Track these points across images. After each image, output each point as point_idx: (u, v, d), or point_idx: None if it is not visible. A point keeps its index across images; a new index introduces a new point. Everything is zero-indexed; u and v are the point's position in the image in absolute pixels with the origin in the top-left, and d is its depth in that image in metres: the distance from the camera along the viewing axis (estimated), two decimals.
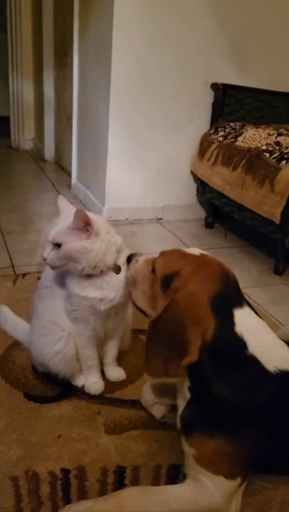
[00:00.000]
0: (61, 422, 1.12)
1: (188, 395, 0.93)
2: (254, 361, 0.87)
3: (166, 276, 0.92)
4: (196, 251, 0.97)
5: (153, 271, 0.98)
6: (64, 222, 1.06)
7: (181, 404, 0.96)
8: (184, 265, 0.91)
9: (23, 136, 4.35)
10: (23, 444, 1.05)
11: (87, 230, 1.05)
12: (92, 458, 1.03)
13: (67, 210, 1.11)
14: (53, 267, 1.09)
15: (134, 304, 1.06)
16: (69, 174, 3.29)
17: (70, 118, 3.14)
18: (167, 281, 0.91)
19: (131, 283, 1.06)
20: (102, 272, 1.10)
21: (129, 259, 1.10)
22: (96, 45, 2.53)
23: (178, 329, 0.86)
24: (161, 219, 2.72)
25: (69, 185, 3.21)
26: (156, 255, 1.02)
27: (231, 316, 0.88)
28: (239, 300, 0.91)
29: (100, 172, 2.62)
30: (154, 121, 2.53)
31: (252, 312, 0.93)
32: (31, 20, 3.99)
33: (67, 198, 3.33)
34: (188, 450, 0.91)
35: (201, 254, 0.96)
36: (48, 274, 1.17)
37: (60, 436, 1.08)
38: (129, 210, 2.63)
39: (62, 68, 3.41)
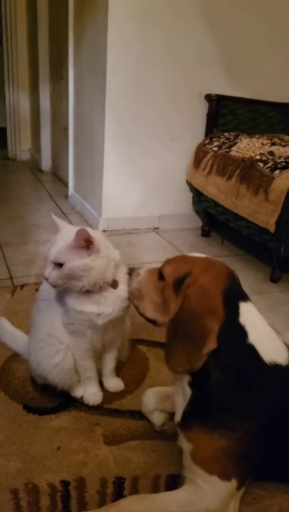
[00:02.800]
0: (60, 433, 1.13)
1: (188, 391, 0.95)
2: (252, 350, 0.91)
3: (179, 278, 0.95)
4: (200, 255, 1.01)
5: (160, 278, 1.00)
6: (64, 241, 1.06)
7: (179, 401, 0.98)
8: (193, 266, 0.95)
9: (20, 147, 4.38)
10: (22, 456, 1.05)
11: (89, 248, 1.06)
12: (91, 469, 1.04)
13: (65, 227, 1.12)
14: (54, 286, 1.09)
15: (143, 315, 1.08)
16: (66, 185, 3.31)
17: (66, 129, 3.16)
18: (180, 283, 0.95)
19: (136, 296, 1.08)
20: (100, 287, 1.10)
21: (129, 274, 1.12)
22: (91, 56, 2.56)
23: (195, 321, 0.89)
24: (157, 228, 2.74)
25: (66, 196, 3.22)
26: (155, 265, 1.06)
27: (237, 308, 0.92)
28: (244, 295, 0.96)
29: (96, 182, 2.64)
30: (150, 131, 2.55)
31: (254, 307, 0.97)
32: (27, 33, 4.04)
33: (65, 209, 3.32)
34: (186, 447, 0.93)
35: (206, 257, 1.00)
36: (46, 287, 1.18)
37: (59, 447, 1.09)
38: (126, 219, 2.65)
39: (58, 81, 3.45)
